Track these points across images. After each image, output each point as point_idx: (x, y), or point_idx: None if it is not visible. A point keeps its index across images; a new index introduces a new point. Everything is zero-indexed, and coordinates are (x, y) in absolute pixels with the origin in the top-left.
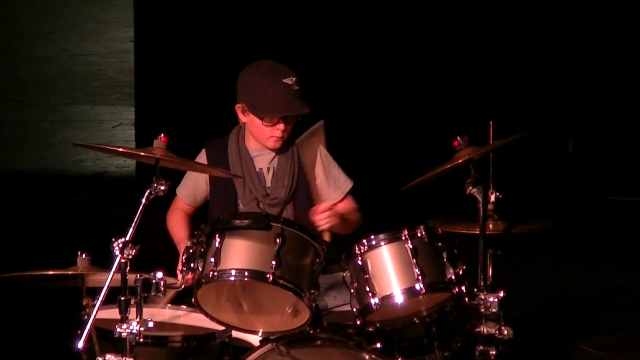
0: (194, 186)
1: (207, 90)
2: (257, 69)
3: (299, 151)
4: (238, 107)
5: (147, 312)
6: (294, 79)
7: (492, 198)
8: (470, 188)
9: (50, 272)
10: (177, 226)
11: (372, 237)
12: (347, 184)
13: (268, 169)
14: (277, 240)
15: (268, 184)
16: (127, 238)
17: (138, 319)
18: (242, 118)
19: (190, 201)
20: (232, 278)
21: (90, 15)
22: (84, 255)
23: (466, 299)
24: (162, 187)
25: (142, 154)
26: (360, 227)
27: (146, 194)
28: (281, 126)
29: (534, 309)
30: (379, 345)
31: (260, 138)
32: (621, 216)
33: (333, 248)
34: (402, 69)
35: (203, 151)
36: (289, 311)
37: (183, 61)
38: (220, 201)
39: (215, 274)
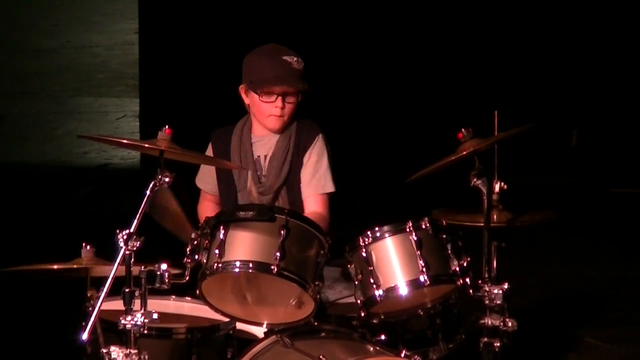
0: (206, 174)
1: (211, 82)
2: (259, 50)
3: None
4: (241, 89)
5: (151, 303)
6: (295, 58)
7: (497, 188)
8: (475, 180)
9: (55, 267)
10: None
11: (377, 228)
12: (327, 187)
13: (266, 156)
14: (282, 232)
15: (264, 171)
16: (132, 230)
17: (142, 311)
18: (246, 100)
19: (208, 189)
20: (237, 270)
21: (95, 7)
22: (88, 247)
23: (470, 291)
24: (167, 179)
25: (146, 145)
26: (365, 218)
27: (150, 185)
28: (279, 103)
29: (538, 301)
30: (383, 337)
31: (260, 117)
32: (625, 208)
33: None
34: (407, 60)
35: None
36: (293, 303)
37: (187, 53)
38: (224, 189)
39: (220, 265)
